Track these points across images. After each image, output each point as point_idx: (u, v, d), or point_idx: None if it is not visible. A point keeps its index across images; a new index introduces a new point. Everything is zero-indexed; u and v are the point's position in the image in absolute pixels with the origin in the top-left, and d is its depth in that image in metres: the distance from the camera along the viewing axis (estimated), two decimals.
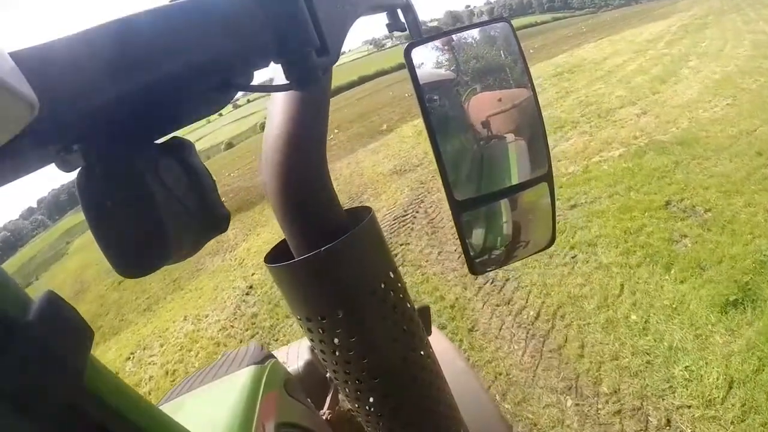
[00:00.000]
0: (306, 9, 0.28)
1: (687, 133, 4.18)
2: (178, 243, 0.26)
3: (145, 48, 0.23)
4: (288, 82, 0.29)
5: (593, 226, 3.13)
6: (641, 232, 2.88)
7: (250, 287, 4.53)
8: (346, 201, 5.20)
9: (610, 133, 4.86)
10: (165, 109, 0.26)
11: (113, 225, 0.25)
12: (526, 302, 2.66)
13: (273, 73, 0.34)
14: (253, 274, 4.86)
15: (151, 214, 0.25)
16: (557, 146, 4.92)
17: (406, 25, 0.46)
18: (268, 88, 0.30)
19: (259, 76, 0.30)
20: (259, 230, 6.51)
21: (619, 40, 12.18)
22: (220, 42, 0.25)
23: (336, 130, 12.38)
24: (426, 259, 3.66)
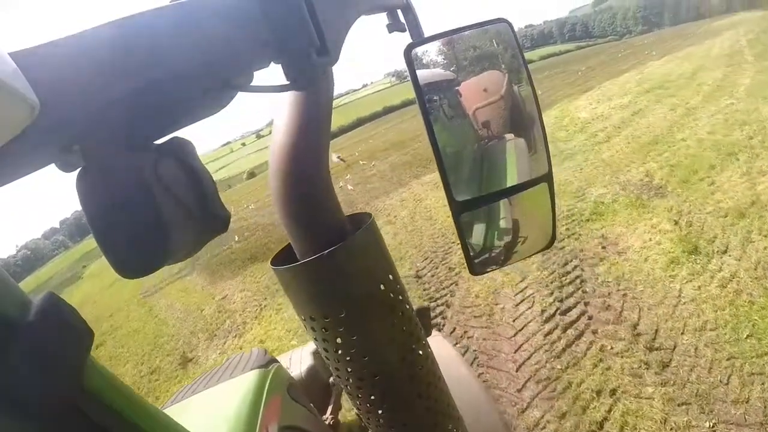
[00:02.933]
0: (306, 9, 0.28)
1: None
2: (177, 243, 0.26)
3: (145, 48, 0.23)
4: (288, 82, 0.29)
5: None
6: None
7: None
8: (424, 266, 3.92)
9: None
10: (165, 109, 0.26)
11: (113, 225, 0.25)
12: None
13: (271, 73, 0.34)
14: None
15: (151, 214, 0.25)
16: (758, 185, 3.35)
17: (405, 26, 0.47)
18: (268, 88, 0.30)
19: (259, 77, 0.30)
20: (281, 300, 4.40)
21: (689, 56, 11.19)
22: (220, 42, 0.25)
23: (363, 162, 11.00)
24: None
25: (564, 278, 2.95)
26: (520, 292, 2.96)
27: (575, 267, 3.07)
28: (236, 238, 8.13)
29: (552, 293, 2.83)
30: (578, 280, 2.89)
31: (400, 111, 30.73)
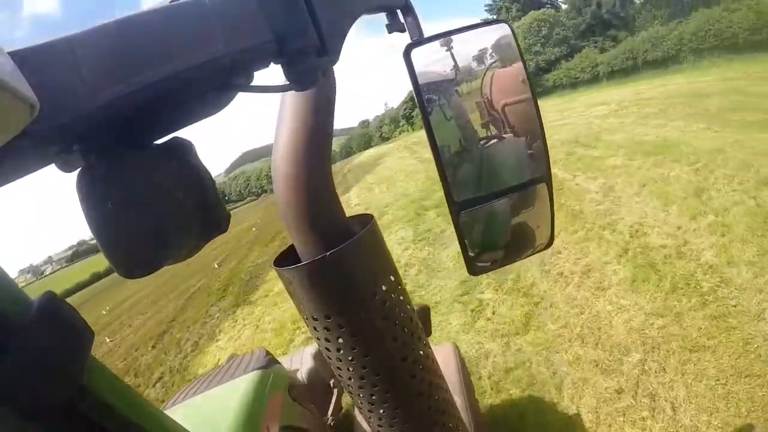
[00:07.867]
0: (306, 9, 0.28)
1: None
2: (178, 243, 0.26)
3: (145, 48, 0.23)
4: (288, 82, 0.29)
5: None
6: None
7: None
8: None
9: None
10: (165, 109, 0.26)
11: (113, 225, 0.24)
12: None
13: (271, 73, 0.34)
14: None
15: (151, 214, 0.25)
16: None
17: (405, 26, 0.46)
18: (268, 88, 0.30)
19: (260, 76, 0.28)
20: None
21: None
22: (220, 42, 0.25)
23: None
24: None
25: None
26: None
27: None
28: None
29: None
30: None
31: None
